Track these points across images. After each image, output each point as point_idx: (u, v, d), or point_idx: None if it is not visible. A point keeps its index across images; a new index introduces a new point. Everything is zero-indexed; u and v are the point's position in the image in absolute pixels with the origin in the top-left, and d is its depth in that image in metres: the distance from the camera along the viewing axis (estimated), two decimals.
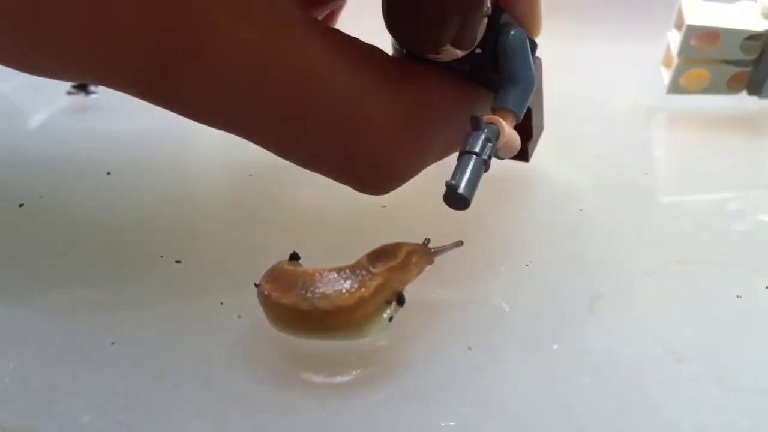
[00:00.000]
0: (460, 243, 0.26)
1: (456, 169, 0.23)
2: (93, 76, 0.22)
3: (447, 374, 0.23)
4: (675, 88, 0.40)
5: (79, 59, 0.21)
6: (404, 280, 0.23)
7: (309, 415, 0.22)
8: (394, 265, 0.23)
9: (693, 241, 0.30)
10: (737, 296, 0.27)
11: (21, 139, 0.38)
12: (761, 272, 0.28)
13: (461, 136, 0.23)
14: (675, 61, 0.40)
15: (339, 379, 0.23)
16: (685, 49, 0.39)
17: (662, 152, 0.41)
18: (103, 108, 0.40)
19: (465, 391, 0.23)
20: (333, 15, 0.33)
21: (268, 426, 0.22)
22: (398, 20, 0.24)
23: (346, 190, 0.25)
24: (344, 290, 0.22)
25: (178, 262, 0.28)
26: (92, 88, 0.41)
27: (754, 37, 0.38)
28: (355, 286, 0.22)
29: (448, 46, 0.23)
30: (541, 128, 0.31)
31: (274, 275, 0.23)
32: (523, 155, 0.30)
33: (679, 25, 0.40)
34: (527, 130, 0.30)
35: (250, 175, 0.33)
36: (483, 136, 0.23)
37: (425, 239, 0.25)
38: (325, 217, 0.31)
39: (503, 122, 0.24)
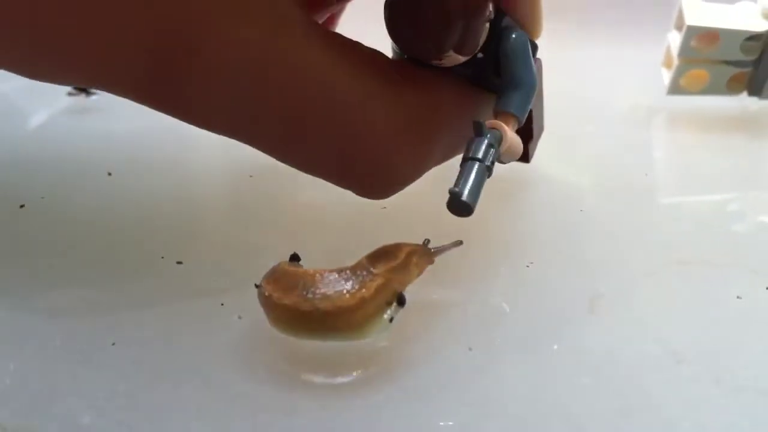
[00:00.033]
0: (460, 242, 0.26)
1: (459, 175, 0.23)
2: (93, 80, 0.22)
3: (447, 374, 0.23)
4: (675, 88, 0.40)
5: (79, 63, 0.21)
6: (405, 281, 0.23)
7: (309, 415, 0.22)
8: (395, 265, 0.23)
9: (693, 242, 0.30)
10: (737, 297, 0.27)
11: (22, 140, 0.38)
12: (761, 273, 0.28)
13: (463, 139, 0.23)
14: (675, 61, 0.40)
15: (339, 379, 0.23)
16: (685, 49, 0.39)
17: (662, 153, 0.41)
18: (104, 109, 0.40)
19: (465, 391, 0.23)
20: (334, 18, 0.33)
21: (268, 426, 0.22)
22: (401, 27, 0.24)
23: (347, 191, 0.25)
24: (345, 291, 0.22)
25: (178, 262, 0.28)
26: (93, 89, 0.41)
27: (754, 37, 0.38)
28: (356, 286, 0.22)
29: (451, 52, 0.23)
30: (541, 129, 0.31)
31: (275, 276, 0.23)
32: (524, 156, 0.30)
33: (679, 25, 0.40)
34: (528, 131, 0.30)
35: (250, 176, 0.33)
36: (486, 142, 0.23)
37: (425, 240, 0.25)
38: (326, 217, 0.31)
39: (506, 127, 0.24)
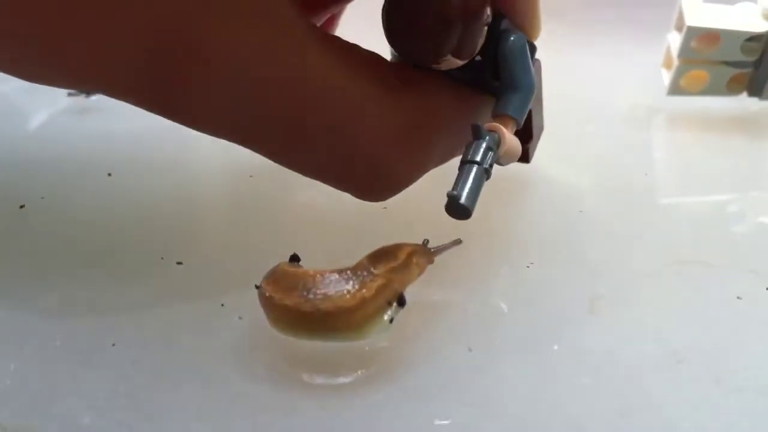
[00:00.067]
0: (459, 241, 0.26)
1: (457, 179, 0.23)
2: (92, 81, 0.22)
3: (447, 374, 0.23)
4: (675, 89, 0.40)
5: (78, 64, 0.21)
6: (405, 281, 0.23)
7: (309, 415, 0.22)
8: (395, 266, 0.23)
9: (693, 242, 0.30)
10: (737, 297, 0.27)
11: (22, 140, 0.38)
12: (761, 273, 0.28)
13: (461, 142, 0.24)
14: (675, 62, 0.40)
15: (339, 379, 0.23)
16: (685, 50, 0.39)
17: (662, 153, 0.41)
18: (104, 109, 0.40)
19: (465, 391, 0.23)
20: (333, 19, 0.33)
21: (268, 426, 0.22)
22: (398, 31, 0.23)
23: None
24: (345, 291, 0.22)
25: (179, 263, 0.28)
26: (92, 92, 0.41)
27: (754, 38, 0.38)
28: (357, 287, 0.22)
29: (449, 56, 0.23)
30: (541, 129, 0.31)
31: (275, 277, 0.23)
32: (523, 156, 0.30)
33: (679, 26, 0.40)
34: (527, 131, 0.30)
35: (250, 176, 0.33)
36: (484, 145, 0.23)
37: (424, 240, 0.25)
38: (326, 218, 0.31)
39: (504, 129, 0.24)
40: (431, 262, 0.25)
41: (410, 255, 0.24)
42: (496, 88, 0.25)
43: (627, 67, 0.46)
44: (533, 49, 0.26)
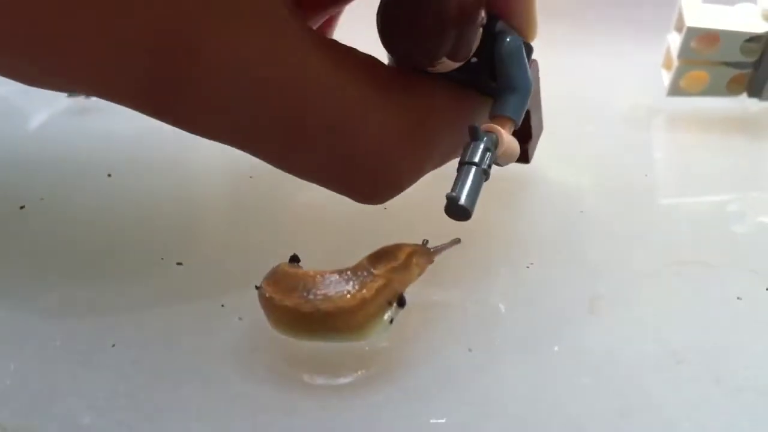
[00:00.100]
0: (458, 241, 0.26)
1: (456, 180, 0.23)
2: (92, 84, 0.22)
3: (447, 374, 0.23)
4: (675, 90, 0.40)
5: (79, 66, 0.21)
6: (405, 281, 0.23)
7: (309, 415, 0.22)
8: (396, 266, 0.23)
9: (693, 242, 0.30)
10: (737, 297, 0.27)
11: (22, 140, 0.38)
12: (761, 273, 0.28)
13: (460, 143, 0.24)
14: (675, 63, 0.40)
15: (339, 380, 0.23)
16: (685, 51, 0.39)
17: (662, 153, 0.41)
18: (103, 109, 0.40)
19: (465, 391, 0.23)
20: (331, 21, 0.32)
21: (268, 426, 0.22)
22: (393, 36, 0.23)
23: None
24: (346, 292, 0.22)
25: (179, 263, 0.28)
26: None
27: (754, 39, 0.38)
28: (357, 287, 0.22)
29: (444, 59, 0.23)
30: (540, 129, 0.31)
31: (275, 277, 0.23)
32: (523, 156, 0.31)
33: (679, 27, 0.40)
34: (527, 131, 0.30)
35: (250, 177, 0.33)
36: (482, 146, 0.23)
37: (424, 240, 0.25)
38: (326, 218, 0.31)
39: (502, 130, 0.24)
40: (431, 261, 0.25)
41: (410, 255, 0.24)
42: (493, 89, 0.25)
43: (627, 67, 0.46)
44: (530, 49, 0.26)
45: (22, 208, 0.31)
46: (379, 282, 0.22)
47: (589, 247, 0.30)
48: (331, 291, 0.22)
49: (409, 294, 0.23)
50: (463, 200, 0.22)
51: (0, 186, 0.34)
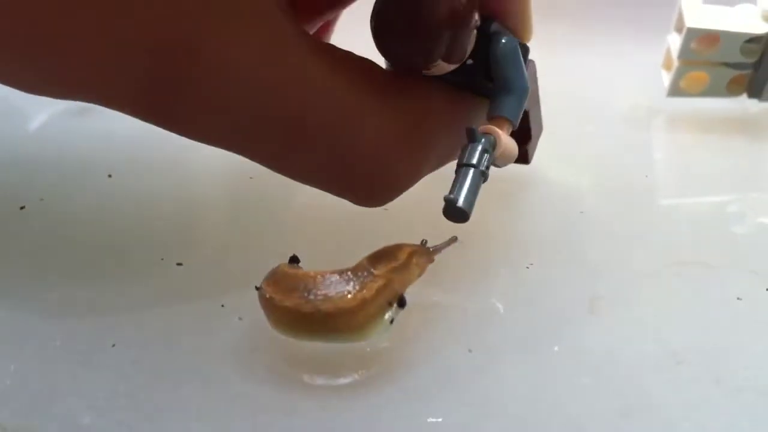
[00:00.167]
0: (455, 239, 0.26)
1: (454, 182, 0.23)
2: (92, 87, 0.22)
3: (447, 375, 0.23)
4: (675, 90, 0.40)
5: (79, 67, 0.21)
6: (405, 282, 0.23)
7: (309, 416, 0.22)
8: (396, 266, 0.23)
9: (693, 243, 0.30)
10: (737, 298, 0.27)
11: (22, 141, 0.38)
12: (761, 274, 0.28)
13: (458, 145, 0.24)
14: (675, 63, 0.40)
15: (339, 380, 0.23)
16: (685, 51, 0.39)
17: (662, 154, 0.41)
18: (104, 109, 0.40)
19: (465, 392, 0.23)
20: (329, 26, 0.32)
21: (268, 427, 0.22)
22: (387, 39, 0.23)
23: None
24: (346, 292, 0.22)
25: (179, 264, 0.28)
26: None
27: (754, 40, 0.38)
28: (357, 288, 0.22)
29: (439, 62, 0.23)
30: (540, 129, 0.31)
31: (275, 278, 0.23)
32: (523, 157, 0.31)
33: (679, 27, 0.40)
34: (526, 132, 0.30)
35: (250, 177, 0.33)
36: (480, 148, 0.23)
37: (422, 240, 0.25)
38: (326, 218, 0.31)
39: (499, 131, 0.24)
40: (431, 261, 0.25)
41: (410, 255, 0.24)
42: (489, 90, 0.25)
43: (627, 67, 0.46)
44: (526, 50, 0.26)
45: (22, 208, 0.31)
46: (380, 282, 0.22)
47: (589, 247, 0.30)
48: (332, 291, 0.22)
49: (409, 294, 0.23)
50: (461, 202, 0.22)
51: (0, 186, 0.34)
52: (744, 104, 0.41)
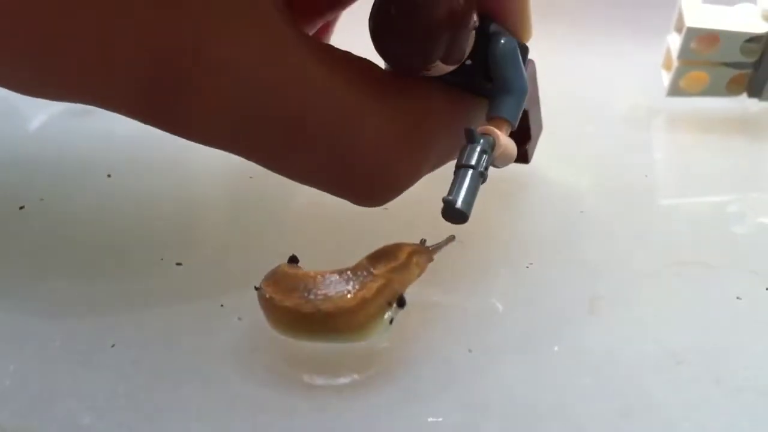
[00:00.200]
0: (453, 238, 0.26)
1: (453, 183, 0.23)
2: (92, 88, 0.22)
3: (447, 375, 0.23)
4: (675, 90, 0.40)
5: (79, 67, 0.21)
6: (405, 281, 0.23)
7: (309, 416, 0.22)
8: (396, 266, 0.23)
9: (693, 243, 0.30)
10: (737, 298, 0.27)
11: (21, 141, 0.38)
12: (761, 274, 0.28)
13: (457, 145, 0.24)
14: (675, 63, 0.40)
15: (339, 380, 0.23)
16: (685, 51, 0.39)
17: (662, 154, 0.41)
18: (103, 110, 0.40)
19: (465, 392, 0.23)
20: (329, 26, 0.33)
21: (268, 427, 0.22)
22: (385, 41, 0.23)
23: None
24: (346, 292, 0.22)
25: (178, 264, 0.28)
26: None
27: (754, 39, 0.38)
28: (357, 287, 0.22)
29: (438, 63, 0.23)
30: (539, 129, 0.31)
31: (275, 278, 0.23)
32: (523, 157, 0.31)
33: (679, 27, 0.40)
34: (526, 132, 0.30)
35: (250, 177, 0.33)
36: (478, 149, 0.23)
37: (422, 239, 0.25)
38: (326, 218, 0.31)
39: (498, 132, 0.24)
40: (431, 260, 0.25)
41: (410, 255, 0.24)
42: (488, 90, 0.25)
43: (627, 67, 0.46)
44: (525, 50, 0.26)
45: (21, 208, 0.31)
46: (379, 282, 0.22)
47: (589, 247, 0.30)
48: (332, 291, 0.22)
49: (409, 294, 0.23)
50: (459, 204, 0.22)
51: (0, 186, 0.34)
52: (744, 104, 0.41)
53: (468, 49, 0.24)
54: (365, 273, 0.23)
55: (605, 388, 0.23)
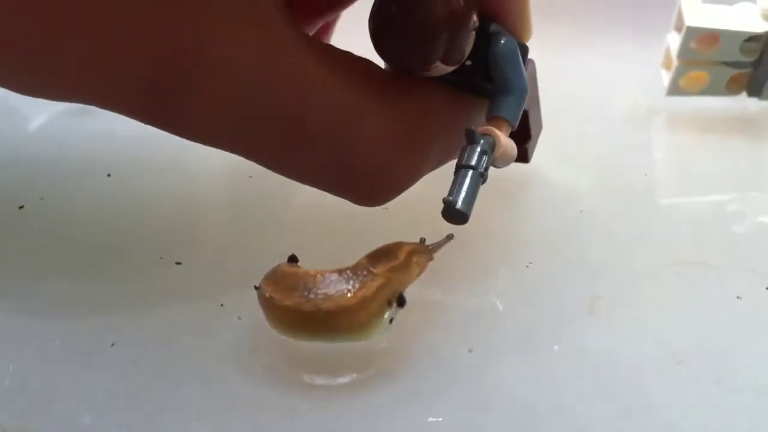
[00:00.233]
0: (451, 236, 0.26)
1: (453, 184, 0.23)
2: (92, 88, 0.22)
3: (447, 375, 0.23)
4: (675, 89, 0.40)
5: (79, 67, 0.21)
6: (405, 280, 0.23)
7: (309, 416, 0.22)
8: (395, 265, 0.23)
9: (693, 242, 0.30)
10: (737, 297, 0.27)
11: (22, 141, 0.38)
12: (761, 273, 0.28)
13: (457, 145, 0.24)
14: (675, 62, 0.40)
15: (339, 380, 0.23)
16: (684, 51, 0.39)
17: (662, 153, 0.41)
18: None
19: (465, 392, 0.23)
20: (329, 27, 0.33)
21: (268, 427, 0.22)
22: (385, 41, 0.23)
23: None
24: (346, 290, 0.22)
25: (178, 263, 0.28)
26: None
27: (753, 38, 0.38)
28: (357, 286, 0.22)
29: (438, 63, 0.23)
30: (539, 129, 0.32)
31: (275, 277, 0.23)
32: (523, 156, 0.31)
33: (678, 26, 0.40)
34: (526, 132, 0.30)
35: (250, 177, 0.33)
36: (479, 149, 0.23)
37: (421, 238, 0.25)
38: (326, 217, 0.31)
39: (498, 132, 0.24)
40: (431, 259, 0.25)
41: (410, 254, 0.24)
42: (488, 90, 0.25)
43: (627, 67, 0.46)
44: (525, 50, 0.26)
45: (21, 208, 0.31)
46: (379, 281, 0.22)
47: (589, 247, 0.30)
48: (332, 290, 0.22)
49: (409, 294, 0.23)
50: (459, 204, 0.22)
51: (0, 186, 0.34)
52: (744, 103, 0.41)
53: (468, 50, 0.24)
54: (365, 272, 0.23)
55: (605, 388, 0.23)
